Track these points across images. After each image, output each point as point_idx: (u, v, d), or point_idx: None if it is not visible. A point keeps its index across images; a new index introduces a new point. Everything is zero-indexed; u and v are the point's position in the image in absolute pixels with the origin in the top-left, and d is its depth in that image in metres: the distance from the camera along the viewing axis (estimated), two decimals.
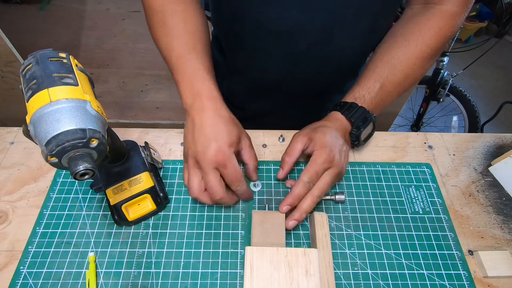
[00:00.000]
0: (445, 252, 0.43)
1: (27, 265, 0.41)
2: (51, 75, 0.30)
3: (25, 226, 0.44)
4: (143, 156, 0.47)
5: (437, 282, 0.41)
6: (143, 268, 0.41)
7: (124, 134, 0.55)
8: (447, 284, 0.41)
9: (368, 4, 0.47)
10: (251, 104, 0.68)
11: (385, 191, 0.49)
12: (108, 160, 0.42)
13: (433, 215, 0.47)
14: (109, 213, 0.45)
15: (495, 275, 0.41)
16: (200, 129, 0.41)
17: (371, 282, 0.41)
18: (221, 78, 0.51)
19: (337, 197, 0.47)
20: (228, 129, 0.42)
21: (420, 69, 0.48)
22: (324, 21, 0.49)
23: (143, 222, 0.45)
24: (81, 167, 0.28)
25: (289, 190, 0.48)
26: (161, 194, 0.45)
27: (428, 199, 0.48)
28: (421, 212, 0.47)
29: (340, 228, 0.45)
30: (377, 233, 0.45)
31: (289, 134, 0.56)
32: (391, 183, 0.50)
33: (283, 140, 0.55)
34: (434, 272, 0.42)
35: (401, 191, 0.49)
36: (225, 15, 0.54)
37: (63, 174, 0.49)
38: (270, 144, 0.55)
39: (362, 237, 0.44)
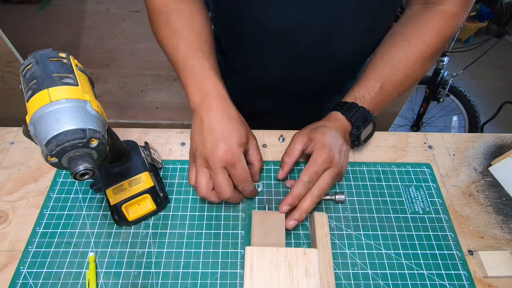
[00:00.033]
0: (445, 252, 0.43)
1: (27, 265, 0.41)
2: (51, 75, 0.30)
3: (25, 226, 0.44)
4: (143, 156, 0.47)
5: (437, 282, 0.41)
6: (143, 268, 0.41)
7: (124, 134, 0.55)
8: (447, 284, 0.41)
9: (368, 4, 0.47)
10: (251, 104, 0.68)
11: (385, 191, 0.49)
12: (108, 160, 0.42)
13: (433, 215, 0.47)
14: (109, 213, 0.45)
15: (495, 275, 0.41)
16: (209, 128, 0.41)
17: (371, 282, 0.41)
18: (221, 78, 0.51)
19: (337, 197, 0.47)
20: (237, 129, 0.42)
21: (420, 69, 0.48)
22: (324, 21, 0.49)
23: (143, 222, 0.45)
24: (81, 167, 0.28)
25: (289, 190, 0.48)
26: (161, 194, 0.45)
27: (428, 199, 0.48)
28: (421, 212, 0.47)
29: (340, 228, 0.45)
30: (377, 233, 0.45)
31: (289, 134, 0.56)
32: (391, 183, 0.50)
33: (283, 140, 0.55)
34: (434, 272, 0.42)
35: (401, 191, 0.49)
36: (225, 15, 0.54)
37: (63, 174, 0.49)
38: (270, 144, 0.55)
39: (362, 237, 0.44)
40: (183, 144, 0.55)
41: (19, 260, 0.41)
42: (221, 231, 0.45)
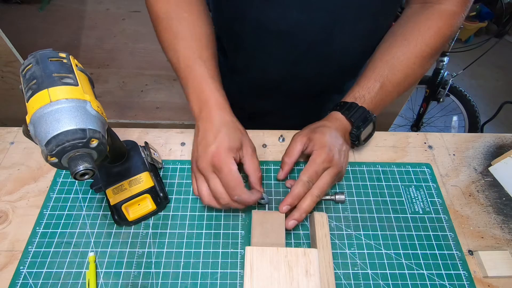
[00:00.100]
0: (445, 252, 0.43)
1: (27, 265, 0.41)
2: (51, 75, 0.30)
3: (25, 226, 0.44)
4: (143, 156, 0.47)
5: (437, 282, 0.41)
6: (143, 268, 0.41)
7: (124, 134, 0.55)
8: (447, 284, 0.41)
9: (368, 4, 0.47)
10: (251, 104, 0.68)
11: (385, 191, 0.49)
12: (108, 160, 0.42)
13: (433, 215, 0.47)
14: (109, 213, 0.45)
15: (495, 275, 0.41)
16: (203, 136, 0.42)
17: (371, 282, 0.41)
18: (221, 78, 0.51)
19: (337, 197, 0.47)
20: (228, 134, 0.41)
21: (420, 68, 0.48)
22: (324, 21, 0.49)
23: (143, 222, 0.45)
24: (81, 167, 0.28)
25: (289, 190, 0.48)
26: (161, 194, 0.45)
27: (428, 199, 0.48)
28: (421, 212, 0.47)
29: (340, 228, 0.45)
30: (377, 233, 0.45)
31: (289, 134, 0.56)
32: (391, 183, 0.50)
33: (283, 140, 0.55)
34: (434, 272, 0.42)
35: (401, 191, 0.49)
36: (226, 15, 0.54)
37: (63, 174, 0.49)
38: (270, 144, 0.55)
39: (362, 237, 0.44)
40: (183, 144, 0.55)
41: (19, 260, 0.41)
42: (221, 231, 0.45)
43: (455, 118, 1.69)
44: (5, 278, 0.40)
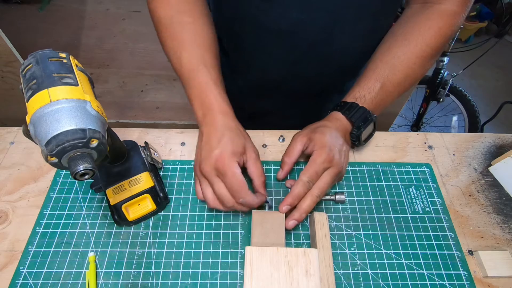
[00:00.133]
0: (445, 252, 0.43)
1: (27, 265, 0.41)
2: (51, 75, 0.30)
3: (25, 226, 0.44)
4: (143, 156, 0.47)
5: (437, 282, 0.41)
6: (143, 268, 0.41)
7: (124, 134, 0.55)
8: (447, 284, 0.41)
9: (368, 4, 0.47)
10: (251, 104, 0.68)
11: (385, 191, 0.49)
12: (108, 160, 0.42)
13: (433, 215, 0.47)
14: (109, 213, 0.45)
15: (495, 275, 0.41)
16: (207, 141, 0.42)
17: (371, 282, 0.41)
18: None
19: (337, 197, 0.47)
20: (232, 139, 0.41)
21: (421, 68, 0.48)
22: (324, 21, 0.49)
23: (143, 222, 0.45)
24: (81, 167, 0.28)
25: (289, 190, 0.48)
26: (161, 194, 0.45)
27: (428, 199, 0.48)
28: (421, 212, 0.47)
29: (340, 228, 0.45)
30: (377, 233, 0.45)
31: (289, 134, 0.56)
32: (391, 183, 0.50)
33: (283, 140, 0.55)
34: (434, 272, 0.42)
35: (401, 191, 0.49)
36: (226, 15, 0.54)
37: (63, 174, 0.49)
38: (270, 144, 0.55)
39: (362, 237, 0.44)
40: (183, 144, 0.55)
41: (19, 260, 0.41)
42: (221, 231, 0.45)
43: (455, 118, 1.69)
44: (5, 278, 0.40)
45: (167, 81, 1.79)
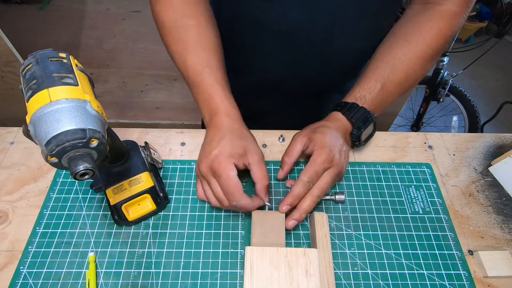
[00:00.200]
0: (445, 252, 0.43)
1: (27, 265, 0.41)
2: (51, 75, 0.30)
3: (25, 226, 0.44)
4: (143, 156, 0.47)
5: (437, 282, 0.41)
6: (143, 268, 0.41)
7: (124, 134, 0.55)
8: (447, 284, 0.41)
9: (368, 4, 0.47)
10: (251, 104, 0.68)
11: (385, 191, 0.49)
12: (108, 160, 0.42)
13: (433, 215, 0.47)
14: (109, 213, 0.45)
15: (495, 275, 0.41)
16: (208, 142, 0.43)
17: (371, 282, 0.41)
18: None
19: (337, 197, 0.47)
20: (232, 140, 0.42)
21: (421, 69, 0.48)
22: (324, 21, 0.49)
23: (143, 222, 0.45)
24: (81, 167, 0.28)
25: (289, 190, 0.48)
26: (161, 194, 0.45)
27: (428, 199, 0.48)
28: (421, 212, 0.47)
29: (340, 228, 0.45)
30: (377, 233, 0.45)
31: (289, 134, 0.56)
32: (391, 183, 0.50)
33: (283, 140, 0.55)
34: (434, 272, 0.42)
35: (401, 191, 0.49)
36: (226, 15, 0.54)
37: (63, 174, 0.49)
38: (270, 144, 0.55)
39: (362, 237, 0.44)
40: (183, 144, 0.55)
41: (19, 260, 0.41)
42: (221, 231, 0.45)
43: (455, 118, 1.70)
44: (5, 278, 0.40)
45: (167, 81, 1.79)
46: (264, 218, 0.42)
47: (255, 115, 0.70)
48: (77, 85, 0.30)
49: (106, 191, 0.43)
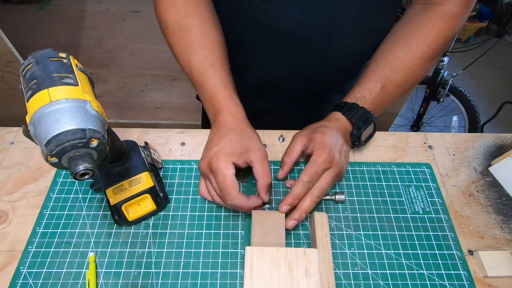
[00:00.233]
0: (445, 252, 0.43)
1: (27, 265, 0.41)
2: (51, 75, 0.30)
3: (25, 226, 0.44)
4: (143, 156, 0.47)
5: (437, 282, 0.41)
6: (143, 268, 0.41)
7: (124, 134, 0.55)
8: (447, 284, 0.41)
9: (368, 4, 0.47)
10: (251, 104, 0.68)
11: (385, 191, 0.49)
12: (108, 160, 0.42)
13: (433, 215, 0.47)
14: (109, 213, 0.45)
15: (495, 275, 0.41)
16: (210, 140, 0.44)
17: (371, 282, 0.41)
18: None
19: (337, 197, 0.47)
20: (232, 139, 0.42)
21: (421, 69, 0.48)
22: (324, 21, 0.49)
23: (143, 222, 0.45)
24: (81, 167, 0.28)
25: (289, 190, 0.48)
26: (161, 194, 0.45)
27: (428, 199, 0.48)
28: (421, 212, 0.47)
29: (340, 228, 0.45)
30: (377, 233, 0.45)
31: (289, 134, 0.56)
32: (391, 183, 0.50)
33: (283, 140, 0.55)
34: (434, 272, 0.42)
35: (401, 191, 0.49)
36: (226, 15, 0.54)
37: (63, 174, 0.49)
38: (270, 144, 0.55)
39: (362, 237, 0.44)
40: (183, 144, 0.55)
41: (19, 260, 0.41)
42: (221, 231, 0.45)
43: (455, 118, 1.69)
44: (5, 278, 0.40)
45: (167, 81, 1.79)
46: (264, 218, 0.42)
47: (255, 115, 0.70)
48: (77, 85, 0.30)
49: (106, 191, 0.43)
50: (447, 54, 1.31)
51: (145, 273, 0.41)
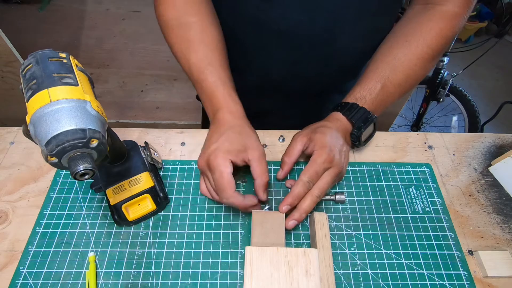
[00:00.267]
0: (445, 252, 0.43)
1: (27, 265, 0.41)
2: (51, 75, 0.30)
3: (25, 226, 0.44)
4: (143, 156, 0.47)
5: (437, 282, 0.41)
6: (143, 268, 0.41)
7: (124, 134, 0.55)
8: (447, 284, 0.41)
9: (368, 4, 0.47)
10: (251, 104, 0.68)
11: (385, 191, 0.49)
12: (108, 160, 0.42)
13: (433, 215, 0.47)
14: (109, 213, 0.45)
15: (495, 275, 0.41)
16: (209, 137, 0.44)
17: (371, 282, 0.41)
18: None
19: (337, 197, 0.47)
20: (231, 136, 0.42)
21: (421, 69, 0.48)
22: (324, 21, 0.49)
23: (143, 222, 0.45)
24: (81, 167, 0.28)
25: (289, 190, 0.48)
26: (161, 194, 0.45)
27: (428, 199, 0.48)
28: (421, 212, 0.47)
29: (340, 228, 0.45)
30: (377, 233, 0.45)
31: (289, 134, 0.56)
32: (391, 183, 0.50)
33: (283, 140, 0.55)
34: (434, 272, 0.42)
35: (401, 191, 0.49)
36: (226, 15, 0.54)
37: (63, 174, 0.49)
38: (270, 144, 0.55)
39: (362, 237, 0.44)
40: (183, 144, 0.55)
41: (19, 260, 0.41)
42: (221, 231, 0.45)
43: (455, 118, 1.69)
44: (5, 278, 0.40)
45: (167, 81, 1.79)
46: (264, 218, 0.42)
47: (255, 115, 0.70)
48: (77, 85, 0.30)
49: (106, 191, 0.43)
50: (447, 54, 1.31)
51: (145, 273, 0.41)
